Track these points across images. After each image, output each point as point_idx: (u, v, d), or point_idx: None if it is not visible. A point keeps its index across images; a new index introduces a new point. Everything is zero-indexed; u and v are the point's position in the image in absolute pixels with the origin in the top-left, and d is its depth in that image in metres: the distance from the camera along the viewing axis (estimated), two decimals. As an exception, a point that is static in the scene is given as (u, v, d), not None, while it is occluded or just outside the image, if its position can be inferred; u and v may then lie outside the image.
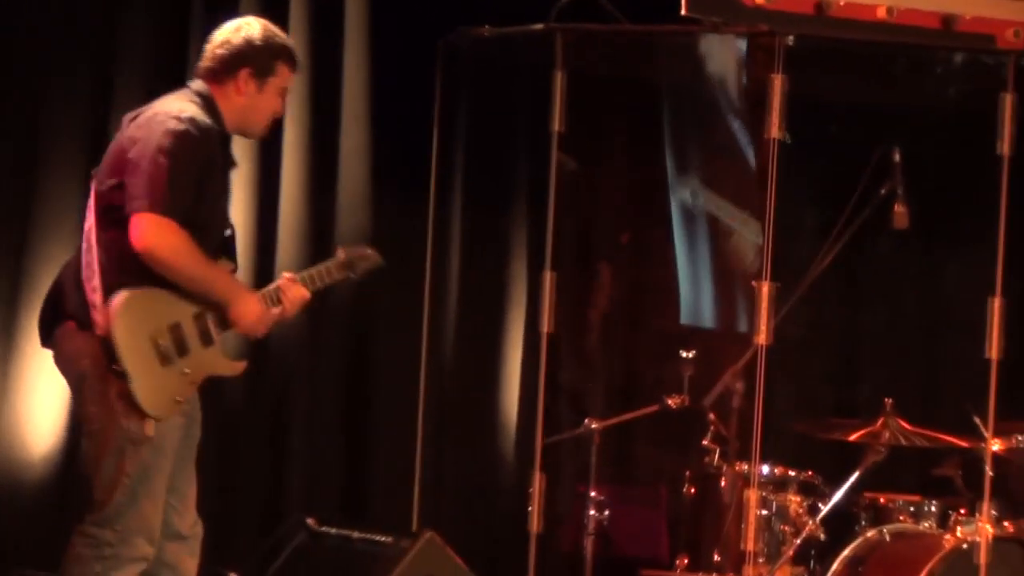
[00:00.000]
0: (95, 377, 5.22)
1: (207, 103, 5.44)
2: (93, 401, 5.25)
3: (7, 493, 6.57)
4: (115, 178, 5.34)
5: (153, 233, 5.20)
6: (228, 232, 5.71)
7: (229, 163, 5.63)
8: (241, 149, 6.56)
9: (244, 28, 5.58)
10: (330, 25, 7.31)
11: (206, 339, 5.23)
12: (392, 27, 7.39)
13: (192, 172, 5.24)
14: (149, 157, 5.24)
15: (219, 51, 5.56)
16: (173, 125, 5.24)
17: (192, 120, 5.21)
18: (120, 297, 5.15)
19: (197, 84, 5.57)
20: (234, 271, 5.64)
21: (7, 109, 6.56)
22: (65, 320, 5.38)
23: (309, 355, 7.29)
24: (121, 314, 5.23)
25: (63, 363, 5.39)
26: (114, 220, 5.22)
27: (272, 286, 5.52)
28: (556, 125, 6.45)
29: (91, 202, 5.36)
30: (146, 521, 5.28)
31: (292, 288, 5.48)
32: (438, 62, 6.91)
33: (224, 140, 5.48)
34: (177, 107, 5.38)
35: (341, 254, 5.71)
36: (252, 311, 5.37)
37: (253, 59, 5.49)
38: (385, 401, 7.42)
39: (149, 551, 5.28)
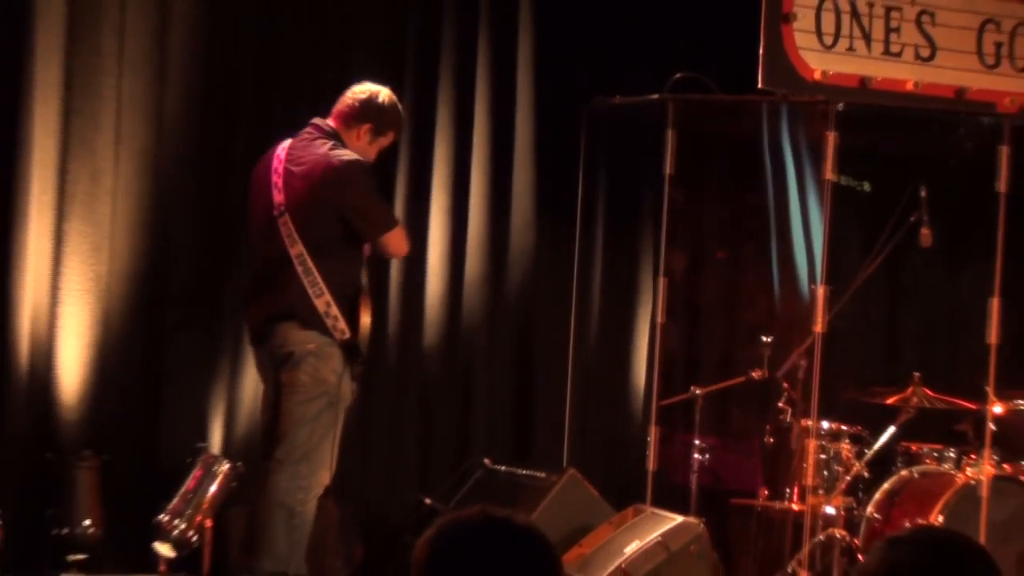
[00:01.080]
0: (320, 357, 6.57)
1: (340, 141, 6.73)
2: (309, 373, 6.58)
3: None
4: (319, 219, 6.63)
5: (404, 240, 6.83)
6: None
7: None
8: (438, 184, 8.28)
9: (381, 94, 6.83)
10: (507, 92, 8.53)
11: None
12: (549, 95, 8.59)
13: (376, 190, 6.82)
14: (358, 195, 6.64)
15: (355, 103, 6.82)
16: (353, 165, 6.58)
17: (356, 159, 6.60)
18: (369, 315, 6.79)
19: (328, 124, 6.78)
20: None
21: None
22: (286, 320, 6.67)
23: (489, 337, 8.55)
24: (364, 326, 6.72)
25: (282, 345, 6.66)
26: (330, 251, 6.63)
27: None
28: (668, 169, 7.79)
29: (288, 236, 6.61)
30: (329, 458, 6.70)
31: None
32: (583, 122, 8.24)
33: None
34: (337, 152, 6.66)
35: None
36: None
37: (376, 119, 6.81)
38: (545, 372, 8.62)
39: (328, 480, 6.70)
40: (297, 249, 6.63)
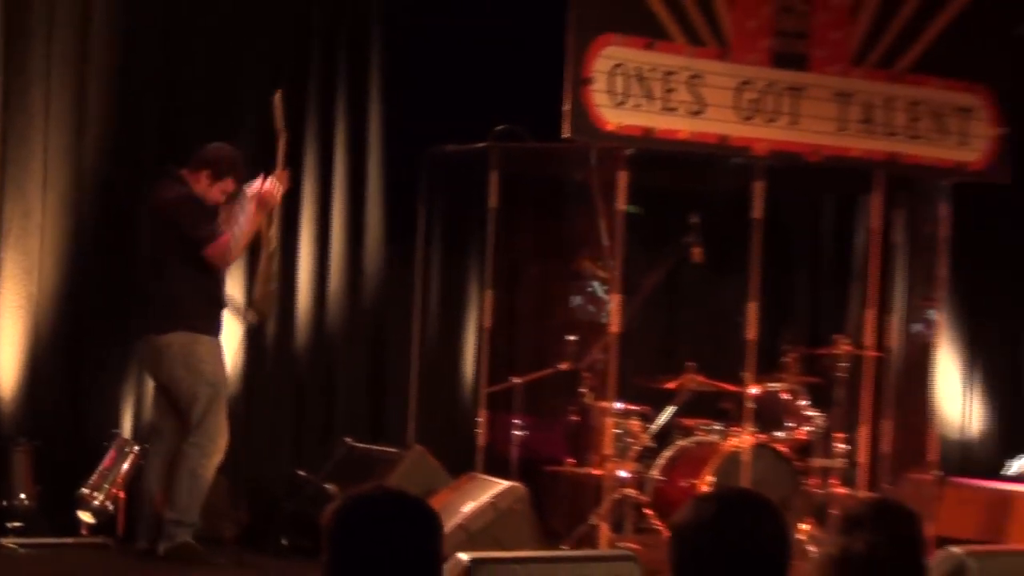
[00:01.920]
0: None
1: (187, 185, 7.45)
2: (190, 367, 7.39)
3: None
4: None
5: None
6: None
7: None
8: (307, 217, 8.85)
9: (219, 148, 7.64)
10: (361, 143, 9.13)
11: None
12: (396, 144, 9.17)
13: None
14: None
15: (200, 154, 7.57)
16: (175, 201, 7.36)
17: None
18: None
19: (182, 171, 7.51)
20: None
21: None
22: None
23: (348, 339, 9.14)
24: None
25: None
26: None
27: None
28: (492, 203, 8.62)
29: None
30: (222, 428, 7.47)
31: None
32: (423, 166, 8.94)
33: None
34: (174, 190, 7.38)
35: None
36: None
37: (214, 165, 7.56)
38: (394, 367, 9.23)
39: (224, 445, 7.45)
40: None
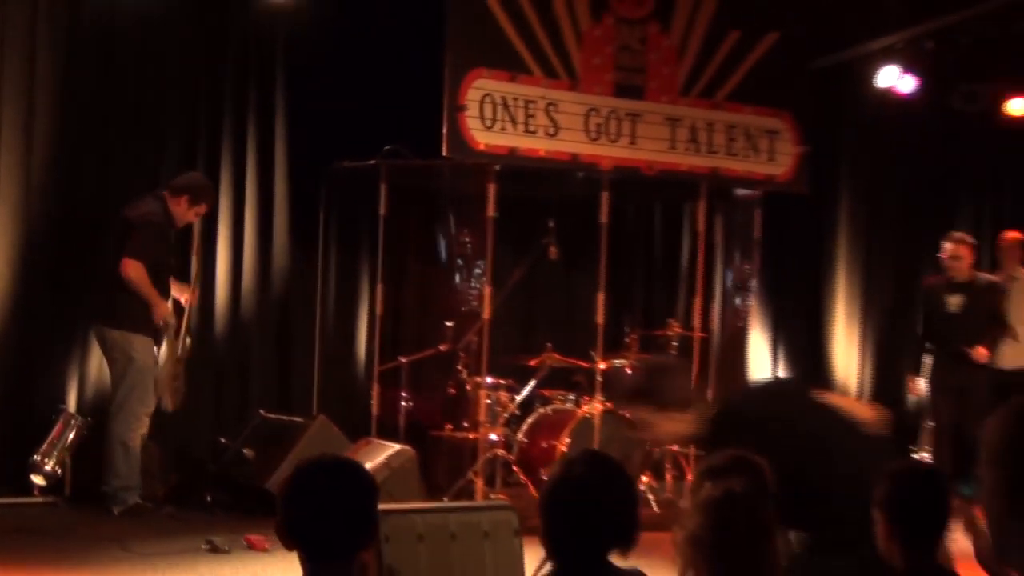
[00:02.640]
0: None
1: (164, 205, 7.69)
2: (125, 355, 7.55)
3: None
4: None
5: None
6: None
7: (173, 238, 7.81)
8: (223, 224, 8.78)
9: (199, 177, 7.95)
10: (269, 161, 9.03)
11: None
12: (301, 160, 9.08)
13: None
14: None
15: (177, 181, 7.82)
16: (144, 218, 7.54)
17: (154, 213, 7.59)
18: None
19: (164, 192, 7.69)
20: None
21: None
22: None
23: (260, 326, 9.09)
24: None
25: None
26: None
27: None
28: (382, 211, 8.74)
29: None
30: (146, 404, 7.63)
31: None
32: (324, 179, 9.00)
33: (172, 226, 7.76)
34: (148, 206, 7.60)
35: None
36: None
37: (193, 191, 7.80)
38: (300, 349, 9.21)
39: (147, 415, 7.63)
40: None
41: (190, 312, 8.08)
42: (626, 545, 3.17)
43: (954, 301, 8.92)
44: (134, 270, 7.58)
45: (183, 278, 8.14)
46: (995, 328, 9.04)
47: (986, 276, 9.26)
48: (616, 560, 3.15)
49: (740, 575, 3.17)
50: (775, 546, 3.23)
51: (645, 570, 3.28)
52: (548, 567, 3.15)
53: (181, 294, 8.03)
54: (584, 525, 3.12)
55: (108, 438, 7.71)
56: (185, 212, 7.86)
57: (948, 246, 8.97)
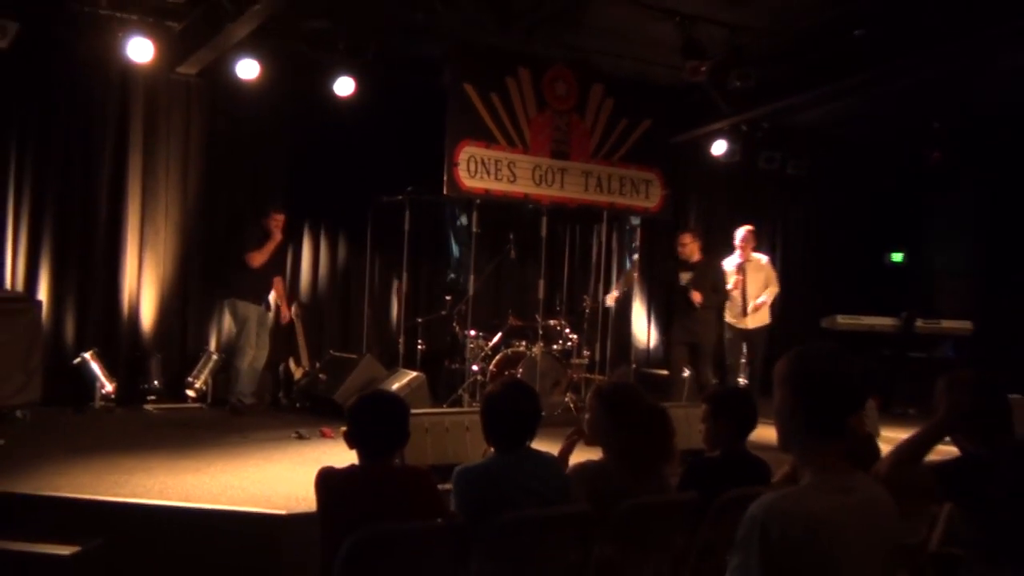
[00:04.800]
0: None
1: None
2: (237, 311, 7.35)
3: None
4: None
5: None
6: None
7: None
8: (310, 232, 8.35)
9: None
10: (336, 195, 8.59)
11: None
12: (359, 194, 8.52)
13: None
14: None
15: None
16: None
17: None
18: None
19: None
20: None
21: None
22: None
23: (332, 296, 8.75)
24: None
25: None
26: None
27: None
28: (406, 227, 8.10)
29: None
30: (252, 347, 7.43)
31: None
32: (370, 207, 8.46)
33: None
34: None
35: None
36: None
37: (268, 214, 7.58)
38: (357, 312, 8.79)
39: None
40: None
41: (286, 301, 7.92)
42: (533, 437, 3.08)
43: (685, 276, 8.20)
44: (251, 260, 7.56)
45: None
46: (714, 291, 8.19)
47: (707, 257, 8.35)
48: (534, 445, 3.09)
49: (620, 433, 3.18)
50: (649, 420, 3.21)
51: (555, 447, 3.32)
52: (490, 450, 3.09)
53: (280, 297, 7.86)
54: (510, 424, 3.03)
55: (232, 367, 7.74)
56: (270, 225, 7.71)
57: (682, 237, 8.31)
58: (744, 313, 8.34)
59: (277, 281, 7.84)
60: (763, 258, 8.62)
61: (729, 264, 8.45)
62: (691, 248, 8.26)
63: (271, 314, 7.76)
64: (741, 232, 8.49)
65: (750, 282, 8.38)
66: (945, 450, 2.89)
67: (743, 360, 8.50)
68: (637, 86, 9.01)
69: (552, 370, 7.96)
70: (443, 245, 9.54)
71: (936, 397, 2.82)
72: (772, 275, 8.53)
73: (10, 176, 7.31)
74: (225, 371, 7.86)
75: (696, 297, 8.04)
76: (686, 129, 9.57)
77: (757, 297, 8.37)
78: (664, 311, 9.91)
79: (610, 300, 8.83)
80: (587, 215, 9.37)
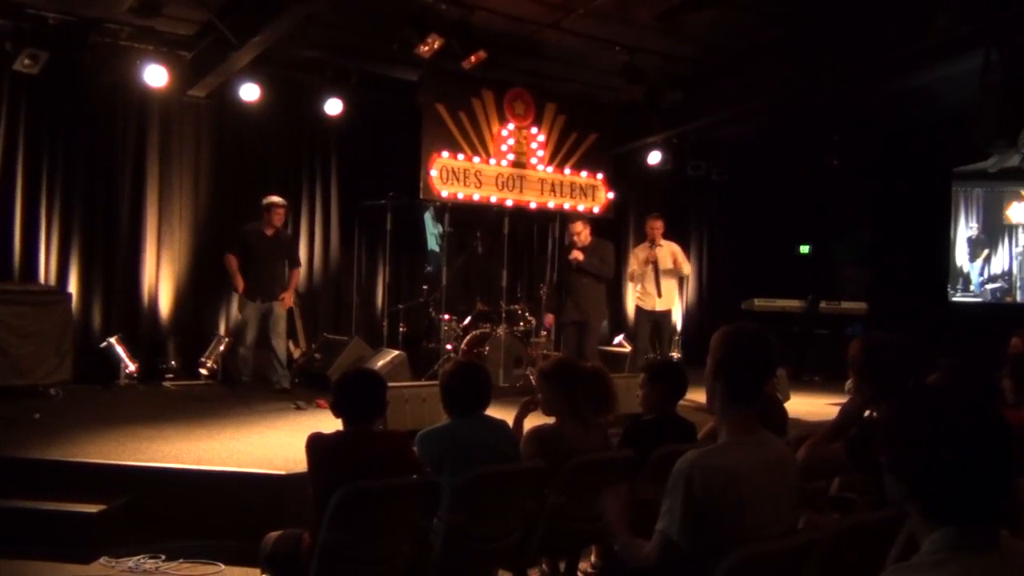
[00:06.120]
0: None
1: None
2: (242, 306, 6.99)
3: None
4: None
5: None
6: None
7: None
8: (305, 232, 8.06)
9: (272, 197, 7.03)
10: (327, 200, 8.49)
11: None
12: (346, 199, 8.52)
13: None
14: None
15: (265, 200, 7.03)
16: None
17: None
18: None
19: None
20: None
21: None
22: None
23: (326, 286, 8.53)
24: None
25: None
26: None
27: None
28: (388, 227, 8.02)
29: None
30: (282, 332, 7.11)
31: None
32: (356, 210, 8.32)
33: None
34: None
35: None
36: None
37: (265, 208, 7.12)
38: (346, 299, 8.60)
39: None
40: None
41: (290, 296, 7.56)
42: (486, 405, 3.07)
43: (577, 255, 7.64)
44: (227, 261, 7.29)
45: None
46: (601, 261, 7.71)
47: (597, 239, 7.83)
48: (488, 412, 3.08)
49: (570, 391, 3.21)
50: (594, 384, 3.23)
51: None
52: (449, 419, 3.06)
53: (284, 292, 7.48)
54: (461, 394, 3.02)
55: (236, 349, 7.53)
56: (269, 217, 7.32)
57: (574, 226, 7.79)
58: (659, 293, 7.80)
59: (293, 273, 7.59)
60: (673, 245, 8.10)
61: (643, 249, 8.06)
62: (584, 235, 7.73)
63: (279, 304, 7.40)
64: (650, 220, 8.06)
65: (661, 262, 7.88)
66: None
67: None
68: (585, 105, 8.95)
69: (514, 348, 7.87)
70: (420, 242, 9.35)
71: (849, 361, 2.74)
72: (681, 256, 8.01)
73: (43, 185, 7.25)
74: (232, 351, 7.67)
75: (577, 255, 7.61)
76: (626, 142, 9.53)
77: (666, 274, 7.86)
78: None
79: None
80: (543, 216, 9.29)
